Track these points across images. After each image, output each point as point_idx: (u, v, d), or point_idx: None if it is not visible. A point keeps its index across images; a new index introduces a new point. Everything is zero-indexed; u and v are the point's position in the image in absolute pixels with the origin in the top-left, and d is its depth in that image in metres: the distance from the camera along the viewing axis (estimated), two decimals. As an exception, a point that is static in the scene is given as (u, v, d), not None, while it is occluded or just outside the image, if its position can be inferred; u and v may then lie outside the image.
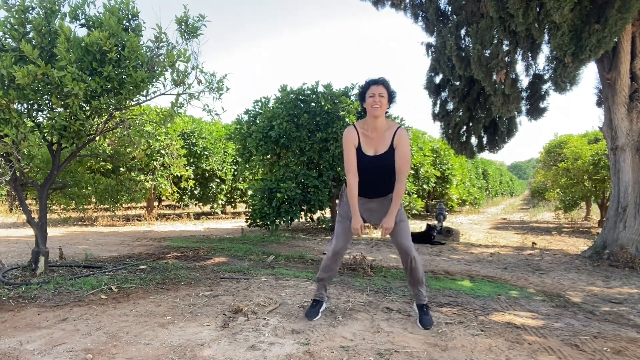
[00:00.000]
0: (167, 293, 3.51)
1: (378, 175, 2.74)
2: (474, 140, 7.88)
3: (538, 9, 5.15)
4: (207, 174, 12.14)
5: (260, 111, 8.42)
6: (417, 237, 7.42)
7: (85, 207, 8.73)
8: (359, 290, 3.71)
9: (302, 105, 8.00)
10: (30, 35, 3.59)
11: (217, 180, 12.30)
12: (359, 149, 2.75)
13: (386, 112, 2.77)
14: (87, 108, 3.87)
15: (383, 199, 2.81)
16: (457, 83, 7.37)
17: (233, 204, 13.90)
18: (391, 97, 2.73)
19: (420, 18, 7.22)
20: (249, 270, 4.49)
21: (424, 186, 12.29)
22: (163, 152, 10.22)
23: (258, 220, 7.81)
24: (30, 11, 3.56)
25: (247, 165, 9.18)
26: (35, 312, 2.97)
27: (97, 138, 4.48)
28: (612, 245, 5.70)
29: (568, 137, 13.84)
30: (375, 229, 2.92)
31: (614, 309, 3.45)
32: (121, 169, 9.34)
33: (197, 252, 5.65)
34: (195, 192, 11.99)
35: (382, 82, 2.69)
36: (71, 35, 3.44)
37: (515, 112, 6.64)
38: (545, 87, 6.65)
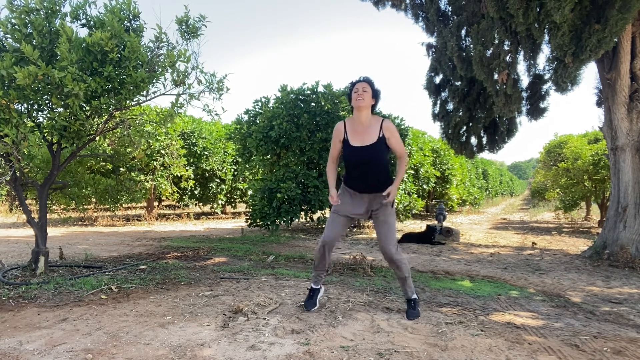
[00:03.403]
0: (167, 293, 3.51)
1: (366, 167, 2.86)
2: (474, 140, 7.88)
3: (538, 9, 5.15)
4: (207, 174, 12.13)
5: (260, 111, 8.42)
6: (418, 237, 7.42)
7: (85, 207, 8.73)
8: (359, 290, 3.71)
9: (302, 105, 7.99)
10: (30, 35, 3.59)
11: (217, 180, 12.30)
12: (345, 141, 2.93)
13: (373, 108, 2.95)
14: (87, 108, 3.86)
15: (375, 195, 2.90)
16: (458, 83, 7.37)
17: (233, 204, 13.90)
18: (375, 93, 2.91)
19: (420, 18, 7.22)
20: (249, 270, 4.49)
21: (424, 186, 12.29)
22: (163, 152, 10.21)
23: (258, 220, 7.81)
24: (34, 13, 3.55)
25: (247, 165, 9.18)
26: (35, 312, 2.97)
27: (97, 138, 4.48)
28: (612, 245, 5.70)
29: (568, 137, 13.84)
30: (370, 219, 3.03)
31: (614, 309, 3.45)
32: (121, 169, 9.33)
33: (197, 252, 5.65)
34: (195, 192, 11.98)
35: (364, 80, 2.91)
36: (73, 35, 3.44)
37: (516, 113, 6.64)
38: (545, 87, 6.66)
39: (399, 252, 2.91)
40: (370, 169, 2.86)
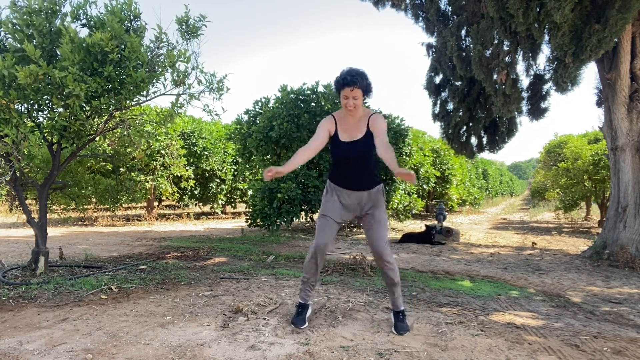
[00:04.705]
0: (167, 293, 3.51)
1: (355, 163, 2.70)
2: (474, 140, 7.89)
3: (538, 9, 5.15)
4: (207, 174, 12.13)
5: (261, 111, 8.42)
6: (417, 237, 7.42)
7: (85, 207, 8.74)
8: (359, 290, 3.71)
9: (302, 105, 7.99)
10: (32, 36, 3.59)
11: (217, 180, 12.30)
12: (335, 136, 2.76)
13: (365, 103, 2.75)
14: (88, 108, 3.87)
15: (365, 193, 2.74)
16: (458, 83, 7.37)
17: (233, 204, 13.90)
18: (367, 92, 2.66)
19: (420, 18, 7.22)
20: (249, 270, 4.49)
21: (424, 186, 12.28)
22: (163, 152, 10.21)
23: (258, 221, 7.81)
24: (38, 14, 3.53)
25: (247, 166, 9.17)
26: (35, 312, 2.97)
27: (97, 138, 4.48)
28: (612, 245, 5.70)
29: (568, 137, 13.86)
30: (360, 222, 2.89)
31: (614, 309, 3.45)
32: (121, 169, 9.33)
33: (197, 252, 5.65)
34: (195, 192, 11.98)
35: (356, 83, 2.57)
36: (75, 36, 3.44)
37: (516, 113, 6.65)
38: (546, 87, 6.66)
39: (391, 254, 2.79)
40: (359, 164, 2.70)
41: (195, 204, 12.98)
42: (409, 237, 7.50)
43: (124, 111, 4.36)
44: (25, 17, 3.45)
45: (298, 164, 2.65)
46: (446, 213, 8.76)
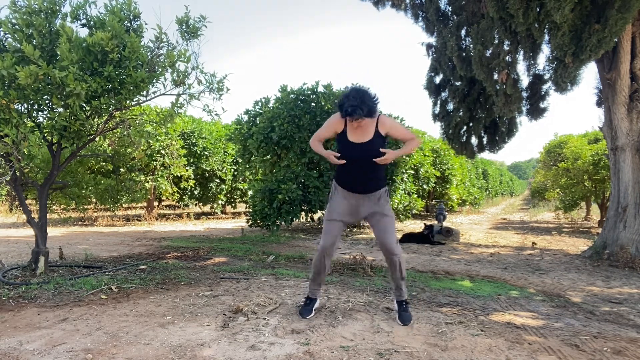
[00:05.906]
0: (167, 293, 3.51)
1: (362, 165, 2.71)
2: (474, 140, 7.89)
3: (538, 9, 5.15)
4: (207, 174, 12.13)
5: (261, 111, 8.42)
6: (417, 237, 7.42)
7: (85, 207, 8.73)
8: (359, 290, 3.71)
9: (302, 105, 7.99)
10: (32, 36, 3.59)
11: (217, 180, 12.30)
12: (343, 136, 2.76)
13: None
14: (88, 108, 3.87)
15: (370, 195, 2.78)
16: (458, 83, 7.37)
17: (233, 204, 13.90)
18: (371, 114, 2.63)
19: (420, 18, 7.22)
20: (249, 270, 4.49)
21: (424, 186, 12.28)
22: (163, 152, 10.21)
23: (259, 221, 7.81)
24: (37, 14, 3.53)
25: (247, 166, 9.17)
26: (35, 312, 2.97)
27: (97, 138, 4.48)
28: (612, 245, 5.70)
29: (568, 137, 13.85)
30: (365, 220, 2.94)
31: (614, 309, 3.45)
32: (121, 169, 9.33)
33: (197, 252, 5.65)
34: (195, 192, 11.98)
35: (354, 115, 2.56)
36: (73, 35, 3.44)
37: (516, 112, 6.65)
38: (545, 87, 6.66)
39: (399, 247, 2.83)
40: (366, 167, 2.69)
41: (195, 204, 12.98)
42: (409, 237, 7.50)
43: (124, 111, 4.36)
44: (25, 17, 3.45)
45: (322, 148, 2.87)
46: (446, 213, 8.76)
